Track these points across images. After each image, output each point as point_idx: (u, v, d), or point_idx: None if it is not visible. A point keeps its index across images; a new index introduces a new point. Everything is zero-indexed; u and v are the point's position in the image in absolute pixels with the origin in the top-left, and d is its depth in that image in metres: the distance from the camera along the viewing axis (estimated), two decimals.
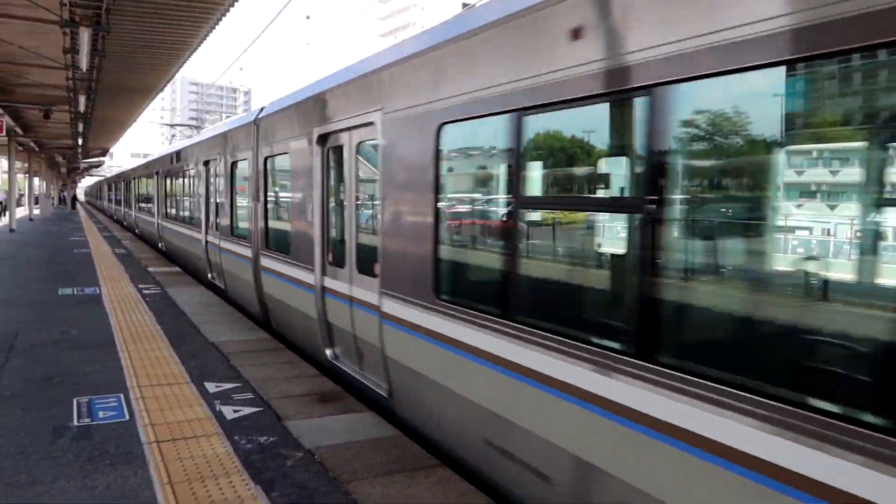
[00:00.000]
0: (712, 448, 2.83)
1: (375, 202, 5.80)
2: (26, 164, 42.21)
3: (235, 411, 5.96)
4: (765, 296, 2.89)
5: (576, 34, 3.50)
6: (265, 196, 9.26)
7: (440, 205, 4.81)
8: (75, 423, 5.62)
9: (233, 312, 10.78)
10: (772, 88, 2.68)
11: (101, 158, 60.88)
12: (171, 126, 54.07)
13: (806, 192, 2.79)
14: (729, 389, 2.80)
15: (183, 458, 4.94)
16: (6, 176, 45.01)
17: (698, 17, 2.83)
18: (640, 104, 3.16)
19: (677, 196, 3.09)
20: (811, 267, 2.79)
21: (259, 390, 6.59)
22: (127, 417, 5.75)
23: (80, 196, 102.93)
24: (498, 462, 4.22)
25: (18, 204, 49.99)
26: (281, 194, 8.73)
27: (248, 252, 10.01)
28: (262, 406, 6.13)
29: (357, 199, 6.33)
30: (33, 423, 5.59)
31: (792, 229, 2.80)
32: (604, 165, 3.66)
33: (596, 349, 3.44)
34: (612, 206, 3.61)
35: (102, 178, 70.16)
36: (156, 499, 4.35)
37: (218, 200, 11.92)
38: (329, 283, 6.74)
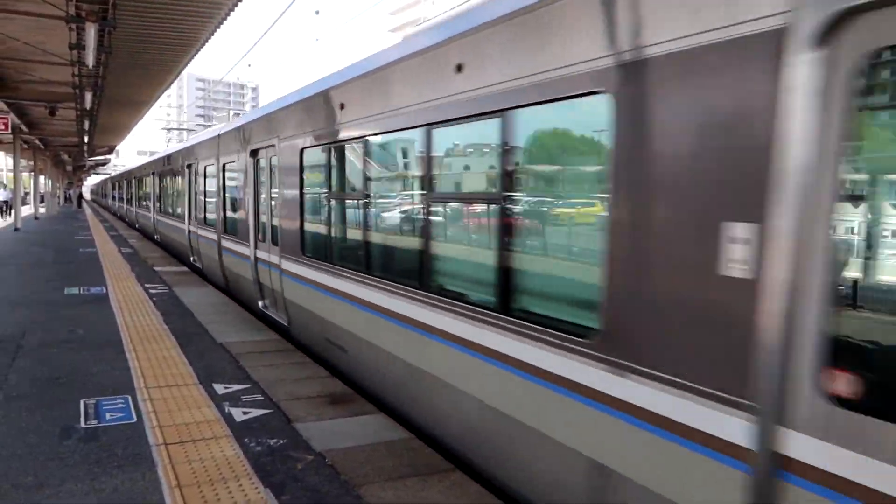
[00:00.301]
0: (472, 346, 4.67)
1: (275, 197, 9.10)
2: (31, 162, 42.54)
3: (245, 413, 5.97)
4: (562, 260, 4.28)
5: (342, 106, 6.73)
6: (223, 192, 12.43)
7: (304, 198, 8.11)
8: (82, 424, 5.64)
9: (241, 312, 10.81)
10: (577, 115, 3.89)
11: (108, 156, 61.26)
12: (168, 130, 54.55)
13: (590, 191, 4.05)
14: (493, 313, 4.47)
15: (192, 461, 4.95)
16: (11, 174, 45.36)
17: (530, 61, 3.97)
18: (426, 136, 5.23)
19: (519, 193, 4.38)
20: (582, 242, 4.06)
21: (268, 392, 6.60)
22: (135, 419, 5.77)
23: (86, 194, 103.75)
24: (331, 350, 7.52)
25: (23, 202, 50.31)
26: (232, 192, 11.99)
27: (214, 236, 13.18)
28: (272, 408, 6.13)
29: (270, 195, 9.56)
30: (40, 425, 5.62)
31: (579, 218, 4.16)
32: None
33: (375, 278, 6.18)
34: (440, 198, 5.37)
35: (108, 176, 70.80)
36: (164, 502, 4.35)
37: (196, 197, 15.20)
38: (259, 253, 9.99)
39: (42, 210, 42.69)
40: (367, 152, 6.45)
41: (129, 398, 6.33)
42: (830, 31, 2.49)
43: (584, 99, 3.62)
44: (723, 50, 2.84)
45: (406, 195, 6.01)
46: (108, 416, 5.84)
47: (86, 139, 32.21)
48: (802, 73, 2.57)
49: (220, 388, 6.66)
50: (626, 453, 3.37)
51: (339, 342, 7.17)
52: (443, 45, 4.84)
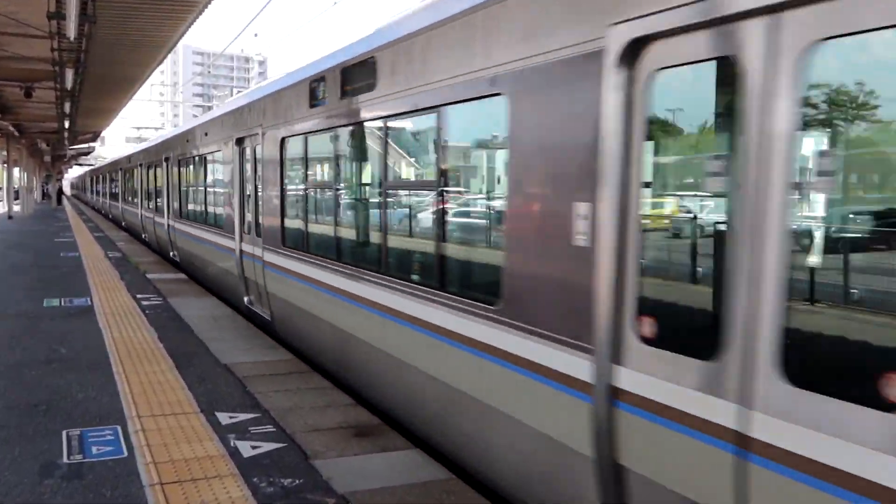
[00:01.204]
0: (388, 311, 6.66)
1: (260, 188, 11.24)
2: (4, 153, 43.58)
3: (254, 447, 6.06)
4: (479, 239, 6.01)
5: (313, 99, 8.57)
6: (205, 184, 15.83)
7: (285, 189, 9.88)
8: (65, 459, 5.78)
9: (248, 327, 10.95)
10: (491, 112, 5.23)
11: (91, 144, 62.53)
12: (138, 129, 55.81)
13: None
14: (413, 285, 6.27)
15: None
16: None
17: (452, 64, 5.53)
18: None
19: (449, 185, 5.99)
20: (489, 223, 5.78)
21: (281, 422, 6.68)
22: (125, 454, 5.89)
23: (67, 189, 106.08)
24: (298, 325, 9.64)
25: None
26: (215, 183, 14.71)
27: (192, 230, 16.43)
28: (286, 441, 6.21)
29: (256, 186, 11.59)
30: (17, 460, 5.77)
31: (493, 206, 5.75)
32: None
33: (334, 265, 8.05)
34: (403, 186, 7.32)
35: (93, 166, 72.44)
36: None
37: (176, 190, 18.55)
38: (246, 247, 11.82)
39: (17, 208, 43.75)
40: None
41: (119, 429, 6.46)
42: (628, 54, 3.88)
43: (492, 99, 5.12)
44: (565, 66, 4.35)
45: (356, 185, 8.24)
46: (94, 449, 5.97)
47: (67, 124, 32.94)
48: (613, 85, 3.95)
49: (224, 418, 6.77)
50: (510, 395, 4.98)
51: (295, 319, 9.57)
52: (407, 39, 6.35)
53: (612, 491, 4.13)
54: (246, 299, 11.93)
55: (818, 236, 3.30)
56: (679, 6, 3.57)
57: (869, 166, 3.27)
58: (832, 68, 3.12)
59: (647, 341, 3.90)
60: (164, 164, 20.46)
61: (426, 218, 6.43)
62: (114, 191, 40.28)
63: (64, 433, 6.34)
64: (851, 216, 3.32)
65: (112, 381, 7.93)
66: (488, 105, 5.20)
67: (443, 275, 6.00)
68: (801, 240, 3.26)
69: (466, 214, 6.12)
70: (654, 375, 3.82)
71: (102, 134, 58.55)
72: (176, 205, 18.85)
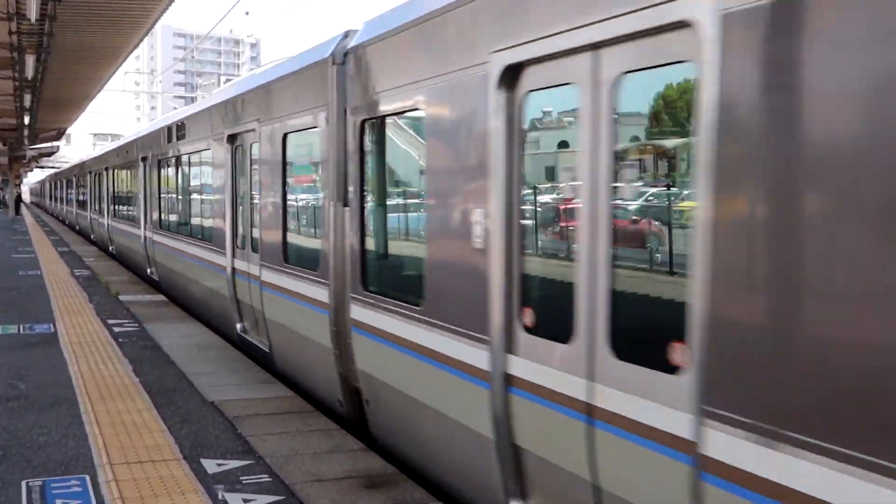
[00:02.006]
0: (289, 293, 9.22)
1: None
2: None
3: (246, 501, 6.04)
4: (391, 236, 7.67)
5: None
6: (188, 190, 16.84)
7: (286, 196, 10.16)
8: None
9: (242, 359, 10.97)
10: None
11: (55, 143, 63.22)
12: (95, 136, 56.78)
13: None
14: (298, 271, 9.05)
15: None
16: None
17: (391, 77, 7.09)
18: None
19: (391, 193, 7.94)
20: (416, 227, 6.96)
21: (279, 471, 6.67)
22: None
23: (26, 196, 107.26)
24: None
25: None
26: (201, 189, 15.42)
27: (176, 244, 16.94)
28: (284, 493, 6.19)
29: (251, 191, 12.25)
30: None
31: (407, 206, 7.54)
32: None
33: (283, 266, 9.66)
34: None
35: (57, 169, 73.28)
36: None
37: (154, 197, 19.56)
38: (239, 263, 12.02)
39: None
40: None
41: (88, 479, 6.46)
42: (505, 77, 5.22)
43: (417, 112, 6.63)
44: (463, 86, 5.76)
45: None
46: (58, 503, 5.96)
47: (27, 120, 33.34)
48: (496, 104, 5.30)
49: (211, 466, 6.76)
50: (427, 387, 6.47)
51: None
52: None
53: (512, 470, 5.44)
54: (238, 326, 12.02)
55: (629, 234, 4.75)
56: (542, 38, 4.89)
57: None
58: (634, 96, 4.48)
59: (528, 331, 5.19)
60: (141, 164, 20.30)
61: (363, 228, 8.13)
62: (81, 198, 40.76)
63: (23, 484, 6.35)
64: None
65: (79, 422, 7.96)
66: (415, 119, 7.04)
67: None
68: (620, 239, 4.56)
69: (396, 223, 7.94)
70: (533, 360, 5.12)
71: (68, 131, 59.19)
72: (155, 214, 18.69)
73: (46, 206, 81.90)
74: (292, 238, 9.81)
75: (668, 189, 4.61)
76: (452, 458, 6.29)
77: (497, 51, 5.23)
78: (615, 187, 4.46)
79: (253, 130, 10.86)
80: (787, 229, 3.34)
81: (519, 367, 5.21)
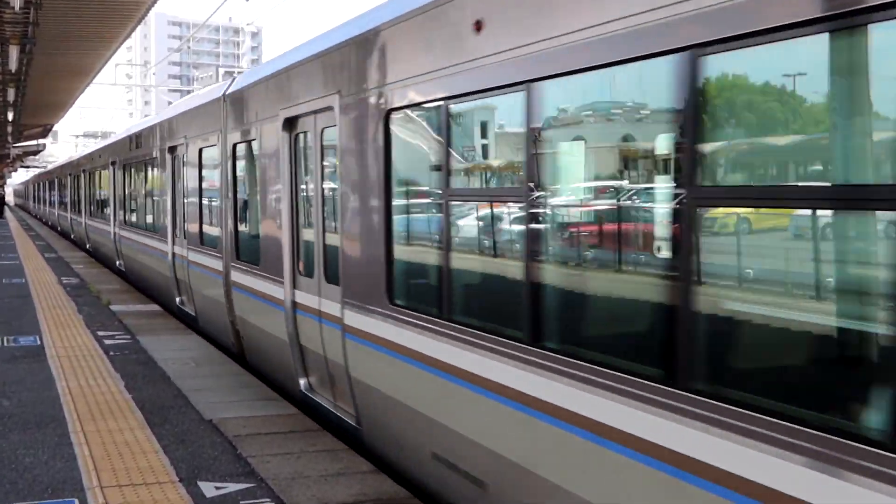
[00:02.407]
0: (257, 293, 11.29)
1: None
2: None
3: None
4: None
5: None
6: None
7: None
8: None
9: (242, 374, 11.02)
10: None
11: (41, 141, 63.56)
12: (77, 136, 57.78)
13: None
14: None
15: None
16: None
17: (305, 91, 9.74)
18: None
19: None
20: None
21: (282, 495, 6.70)
22: None
23: (10, 198, 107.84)
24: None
25: None
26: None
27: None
28: None
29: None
30: None
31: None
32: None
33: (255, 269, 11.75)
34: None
35: (43, 169, 73.78)
36: None
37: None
38: (176, 250, 16.19)
39: None
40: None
41: (76, 502, 6.49)
42: (287, 124, 9.81)
43: (254, 141, 11.39)
44: (271, 127, 10.38)
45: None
46: None
47: (11, 116, 33.56)
48: (282, 139, 9.90)
49: (209, 489, 6.80)
50: (261, 317, 10.98)
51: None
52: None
53: (300, 360, 9.55)
54: (178, 299, 16.20)
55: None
56: (297, 104, 9.44)
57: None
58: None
59: (301, 274, 9.47)
60: (111, 168, 23.75)
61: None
62: (62, 199, 43.07)
63: None
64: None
65: (67, 441, 8.02)
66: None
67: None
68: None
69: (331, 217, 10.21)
70: (304, 291, 9.34)
71: (55, 128, 59.51)
72: (121, 213, 22.58)
73: (30, 208, 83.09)
74: (206, 226, 14.02)
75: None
76: (274, 357, 10.53)
77: (282, 108, 9.84)
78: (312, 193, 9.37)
79: (183, 144, 15.22)
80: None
81: (298, 296, 9.55)
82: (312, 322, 9.11)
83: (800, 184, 4.19)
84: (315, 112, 8.87)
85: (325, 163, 8.99)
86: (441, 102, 6.42)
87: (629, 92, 5.10)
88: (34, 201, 76.40)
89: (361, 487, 6.89)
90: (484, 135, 6.79)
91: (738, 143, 4.48)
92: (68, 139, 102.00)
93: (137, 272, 20.71)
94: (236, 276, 11.83)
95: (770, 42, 3.90)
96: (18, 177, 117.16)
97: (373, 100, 7.49)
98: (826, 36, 3.76)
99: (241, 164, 12.13)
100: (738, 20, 3.97)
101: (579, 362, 5.01)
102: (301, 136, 9.49)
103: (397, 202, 7.44)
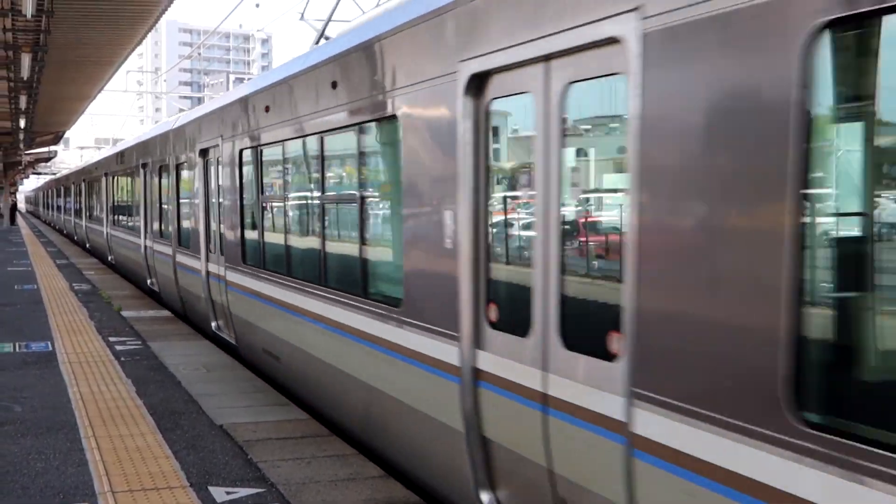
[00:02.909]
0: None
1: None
2: None
3: None
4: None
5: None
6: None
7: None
8: None
9: (253, 379, 11.04)
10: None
11: (53, 148, 63.81)
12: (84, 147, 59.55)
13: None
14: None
15: None
16: None
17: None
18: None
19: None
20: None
21: (293, 500, 6.71)
22: None
23: (21, 205, 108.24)
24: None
25: None
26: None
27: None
28: None
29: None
30: None
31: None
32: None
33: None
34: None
35: (55, 175, 74.17)
36: None
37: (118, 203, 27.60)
38: (148, 243, 20.75)
39: None
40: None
41: None
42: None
43: (183, 165, 17.23)
44: (191, 157, 15.33)
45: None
46: None
47: (22, 123, 33.71)
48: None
49: (220, 494, 6.82)
50: (193, 285, 15.70)
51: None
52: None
53: (212, 309, 14.15)
54: (149, 281, 21.32)
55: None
56: (209, 139, 14.00)
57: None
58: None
59: (217, 251, 13.87)
60: (104, 178, 28.34)
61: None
62: (66, 205, 47.27)
63: None
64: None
65: (79, 447, 8.05)
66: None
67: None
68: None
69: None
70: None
71: (66, 135, 59.72)
72: (112, 216, 27.00)
73: (41, 214, 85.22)
74: (170, 225, 17.64)
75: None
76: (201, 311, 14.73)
77: (199, 144, 14.19)
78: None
79: (147, 164, 19.80)
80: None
81: (210, 266, 13.40)
82: (216, 282, 13.76)
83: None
84: (213, 147, 13.59)
85: (214, 180, 13.84)
86: (257, 147, 11.37)
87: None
88: (44, 207, 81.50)
89: (371, 492, 6.90)
90: (265, 168, 11.69)
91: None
92: (79, 144, 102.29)
93: (124, 266, 24.37)
94: (181, 258, 16.92)
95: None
96: (29, 184, 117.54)
97: (232, 142, 12.44)
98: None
99: (177, 181, 17.29)
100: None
101: (323, 290, 8.88)
102: (208, 161, 14.17)
103: (246, 205, 12.12)
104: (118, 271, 26.15)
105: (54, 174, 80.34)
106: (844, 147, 3.76)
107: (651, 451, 4.26)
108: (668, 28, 4.13)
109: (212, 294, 13.93)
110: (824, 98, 3.61)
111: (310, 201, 9.70)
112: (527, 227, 5.59)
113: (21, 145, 47.98)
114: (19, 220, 70.97)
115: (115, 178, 26.14)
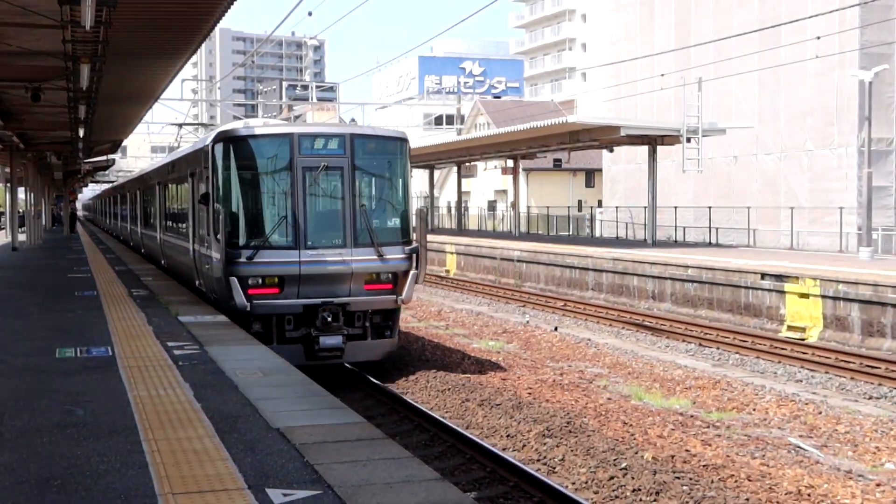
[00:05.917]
0: None
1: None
2: (7, 169, 45.35)
3: None
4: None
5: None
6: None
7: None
8: None
9: (309, 383, 11.14)
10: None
11: (111, 157, 64.73)
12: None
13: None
14: None
15: None
16: None
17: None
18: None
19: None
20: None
21: (349, 502, 6.78)
22: None
23: (80, 212, 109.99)
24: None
25: None
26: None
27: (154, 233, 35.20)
28: None
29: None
30: None
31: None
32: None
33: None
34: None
35: (113, 183, 75.46)
36: None
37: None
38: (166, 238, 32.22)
39: (22, 237, 45.46)
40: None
41: None
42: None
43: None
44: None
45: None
46: None
47: (81, 132, 34.25)
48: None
49: (277, 496, 6.91)
50: (178, 255, 27.18)
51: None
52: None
53: (196, 271, 21.80)
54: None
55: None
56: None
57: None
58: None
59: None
60: (157, 187, 32.41)
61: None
62: (122, 212, 53.46)
63: None
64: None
65: (139, 450, 8.19)
66: None
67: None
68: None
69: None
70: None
71: (124, 143, 60.57)
72: (164, 222, 31.38)
73: (99, 221, 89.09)
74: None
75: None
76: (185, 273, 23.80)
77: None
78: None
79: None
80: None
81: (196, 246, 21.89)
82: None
83: None
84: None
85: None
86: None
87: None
88: (101, 214, 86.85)
89: (427, 494, 6.95)
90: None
91: None
92: (136, 153, 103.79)
93: (173, 265, 28.98)
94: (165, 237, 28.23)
95: None
96: (87, 192, 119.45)
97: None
98: None
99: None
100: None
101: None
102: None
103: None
104: (170, 273, 27.68)
105: (111, 182, 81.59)
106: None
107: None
108: None
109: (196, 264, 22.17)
110: None
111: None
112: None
113: (80, 154, 48.75)
114: (78, 227, 72.17)
115: (167, 186, 28.67)
